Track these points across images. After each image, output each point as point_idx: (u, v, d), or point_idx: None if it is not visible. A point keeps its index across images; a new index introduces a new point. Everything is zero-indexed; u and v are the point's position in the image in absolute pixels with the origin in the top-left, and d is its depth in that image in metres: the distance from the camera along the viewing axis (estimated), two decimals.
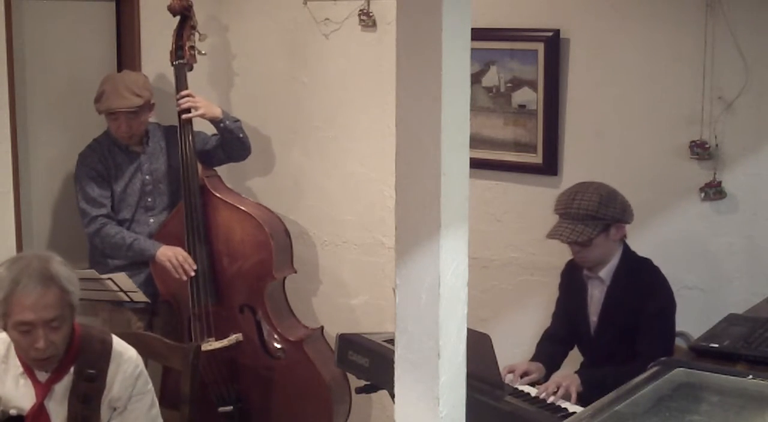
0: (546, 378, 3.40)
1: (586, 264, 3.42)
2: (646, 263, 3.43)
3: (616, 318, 3.38)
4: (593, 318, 3.46)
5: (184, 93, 4.17)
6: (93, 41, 4.47)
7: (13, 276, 2.72)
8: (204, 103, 4.21)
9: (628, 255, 3.42)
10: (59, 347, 2.79)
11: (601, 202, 3.30)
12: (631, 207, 3.39)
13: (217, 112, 4.23)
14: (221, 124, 4.23)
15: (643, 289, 3.34)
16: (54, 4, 4.28)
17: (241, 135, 4.29)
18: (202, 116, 4.19)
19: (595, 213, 3.29)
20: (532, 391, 3.21)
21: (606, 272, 3.40)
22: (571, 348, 3.62)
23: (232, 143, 4.27)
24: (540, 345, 3.62)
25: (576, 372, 3.30)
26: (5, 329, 2.79)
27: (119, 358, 2.92)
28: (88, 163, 4.12)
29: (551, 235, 3.35)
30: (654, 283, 3.36)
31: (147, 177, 4.20)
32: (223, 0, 4.74)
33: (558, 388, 3.16)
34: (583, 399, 3.15)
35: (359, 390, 3.63)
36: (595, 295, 3.45)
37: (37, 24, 4.20)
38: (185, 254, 4.08)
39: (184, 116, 4.15)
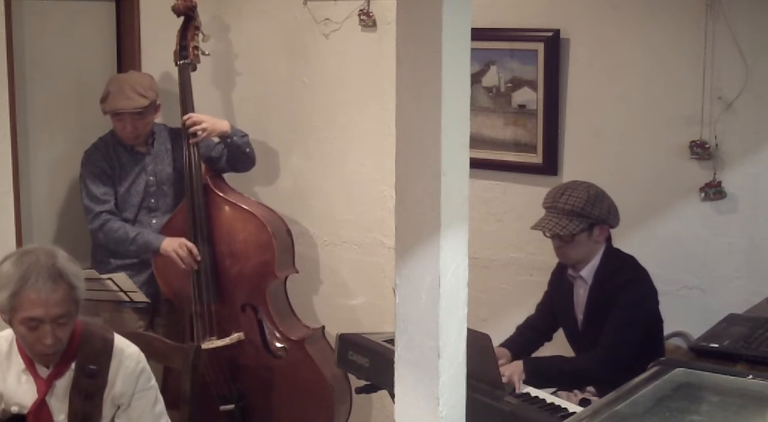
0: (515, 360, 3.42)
1: (566, 260, 3.45)
2: (627, 260, 3.45)
3: (599, 316, 3.40)
4: (579, 316, 3.49)
5: (186, 117, 4.17)
6: (93, 41, 4.47)
7: (21, 272, 2.72)
8: (210, 121, 4.19)
9: (609, 254, 3.43)
10: (64, 342, 2.81)
11: (588, 200, 3.33)
12: (618, 212, 3.40)
13: (224, 127, 4.22)
14: (228, 140, 4.23)
15: (618, 284, 3.37)
16: (54, 4, 4.29)
17: (247, 150, 4.29)
18: (209, 135, 4.19)
19: (580, 211, 3.32)
20: (532, 391, 3.22)
21: (587, 271, 3.42)
22: (548, 340, 3.67)
23: (237, 157, 4.28)
24: (520, 329, 3.66)
25: (522, 360, 3.33)
26: (11, 324, 2.79)
27: (120, 355, 2.92)
28: (93, 161, 4.13)
29: (535, 226, 3.39)
30: (629, 278, 3.38)
31: (151, 178, 4.20)
32: (223, 0, 4.74)
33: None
34: (529, 384, 3.20)
35: (359, 390, 3.63)
36: (580, 294, 3.48)
37: (37, 24, 4.20)
38: (190, 244, 4.08)
39: (192, 140, 4.15)
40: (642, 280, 3.41)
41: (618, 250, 3.47)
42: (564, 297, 3.54)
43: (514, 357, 3.46)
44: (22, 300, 2.72)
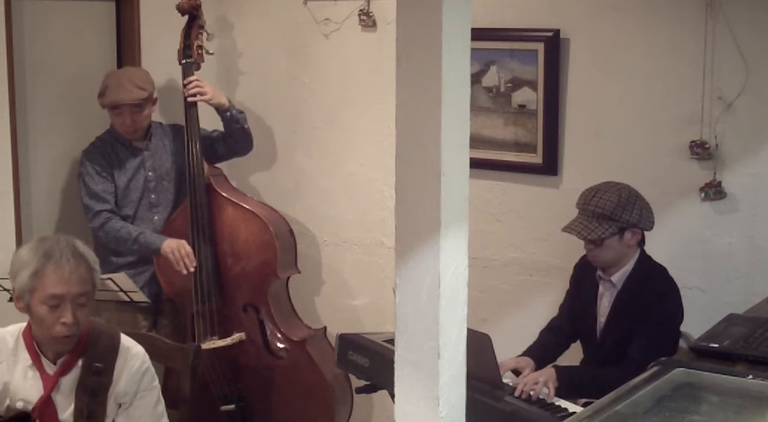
0: (540, 368, 3.38)
1: (596, 263, 3.41)
2: (660, 271, 3.40)
3: (623, 323, 3.35)
4: (601, 319, 3.44)
5: (191, 78, 4.17)
6: (93, 41, 4.47)
7: (43, 251, 2.78)
8: (211, 88, 4.21)
9: (643, 262, 3.39)
10: (81, 326, 2.83)
11: (619, 203, 3.27)
12: (652, 214, 3.36)
13: (223, 99, 4.24)
14: (227, 113, 4.23)
15: (651, 297, 3.32)
16: (54, 4, 4.29)
17: (245, 126, 4.29)
18: (208, 101, 4.18)
19: (610, 214, 3.27)
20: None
21: (618, 277, 3.37)
22: (573, 342, 3.61)
23: (236, 134, 4.27)
24: (543, 333, 3.61)
25: (553, 367, 3.30)
26: (29, 307, 2.80)
27: (126, 353, 2.94)
28: (92, 159, 4.13)
29: (566, 228, 3.35)
30: (662, 292, 3.33)
31: (150, 173, 4.20)
32: (223, 0, 4.75)
33: (536, 384, 3.17)
34: (556, 395, 3.16)
35: (359, 390, 3.64)
36: (606, 297, 3.43)
37: (37, 24, 4.20)
38: (188, 248, 4.08)
39: (190, 99, 4.15)
40: (675, 297, 3.37)
41: (650, 258, 3.42)
42: (586, 297, 3.49)
43: (538, 364, 3.41)
44: (44, 278, 2.75)
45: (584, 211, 3.33)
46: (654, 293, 3.33)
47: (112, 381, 2.89)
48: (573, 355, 3.62)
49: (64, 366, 2.88)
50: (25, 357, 2.88)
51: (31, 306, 2.79)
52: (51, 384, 2.86)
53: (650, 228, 3.38)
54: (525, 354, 3.50)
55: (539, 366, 3.40)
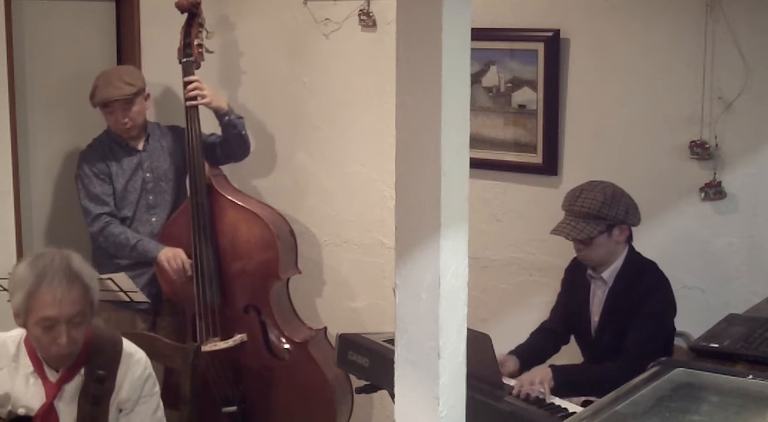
0: (527, 368, 3.39)
1: (588, 262, 3.42)
2: (650, 266, 3.42)
3: (616, 320, 3.37)
4: (594, 318, 3.46)
5: (192, 78, 4.16)
6: (93, 41, 4.47)
7: (37, 272, 2.73)
8: (211, 91, 4.20)
9: (632, 257, 3.41)
10: (79, 344, 2.81)
11: (604, 201, 3.29)
12: (638, 210, 3.38)
13: (223, 103, 4.22)
14: (225, 117, 4.21)
15: (642, 291, 3.34)
16: (54, 4, 4.29)
17: (243, 132, 4.28)
18: (207, 104, 4.16)
19: (597, 213, 3.29)
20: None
21: (609, 273, 3.39)
22: (565, 344, 3.62)
23: (233, 139, 4.26)
24: (534, 335, 3.62)
25: (550, 366, 3.30)
26: (25, 326, 2.79)
27: (129, 360, 2.93)
28: (89, 161, 4.12)
29: (554, 231, 3.37)
30: (653, 286, 3.35)
31: (148, 175, 4.19)
32: (223, 0, 4.74)
33: (532, 385, 3.17)
34: (554, 394, 3.16)
35: (359, 390, 3.64)
36: (598, 295, 3.45)
37: (37, 24, 4.20)
38: (184, 257, 4.08)
39: (189, 103, 4.14)
40: (666, 290, 3.38)
41: (639, 254, 3.43)
42: (579, 297, 3.50)
43: (523, 363, 3.42)
44: (37, 301, 2.72)
45: (571, 212, 3.35)
46: (645, 287, 3.35)
47: (115, 388, 2.88)
48: (567, 356, 3.62)
49: (67, 374, 2.86)
50: (26, 364, 2.86)
51: (27, 325, 2.78)
52: (53, 392, 2.85)
53: (637, 223, 3.39)
54: (513, 353, 3.50)
55: (526, 367, 3.41)
